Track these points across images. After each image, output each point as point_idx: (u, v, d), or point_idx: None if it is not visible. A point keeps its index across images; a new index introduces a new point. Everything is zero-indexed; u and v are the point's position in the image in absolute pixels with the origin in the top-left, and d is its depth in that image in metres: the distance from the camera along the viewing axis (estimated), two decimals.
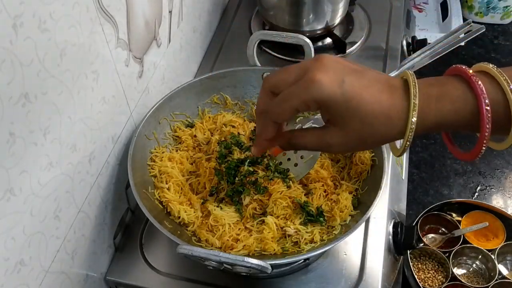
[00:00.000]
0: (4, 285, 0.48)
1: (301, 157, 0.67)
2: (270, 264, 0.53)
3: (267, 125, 0.50)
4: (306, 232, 0.64)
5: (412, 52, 1.05)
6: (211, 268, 0.54)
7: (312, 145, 0.49)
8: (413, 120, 0.42)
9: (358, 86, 0.43)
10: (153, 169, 0.70)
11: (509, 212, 1.04)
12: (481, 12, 1.34)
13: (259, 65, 0.80)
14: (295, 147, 0.52)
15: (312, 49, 0.76)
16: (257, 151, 0.54)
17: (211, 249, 0.62)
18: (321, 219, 0.65)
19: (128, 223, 0.74)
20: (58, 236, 0.56)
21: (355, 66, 0.45)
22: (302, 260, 0.67)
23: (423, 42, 1.02)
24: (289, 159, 0.68)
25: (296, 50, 0.95)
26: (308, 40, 0.75)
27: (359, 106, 0.43)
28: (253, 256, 0.59)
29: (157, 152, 0.72)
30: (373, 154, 0.69)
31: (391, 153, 0.79)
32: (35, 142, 0.49)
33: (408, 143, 0.44)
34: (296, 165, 0.68)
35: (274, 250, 0.63)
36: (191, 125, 0.78)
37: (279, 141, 0.52)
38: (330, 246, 0.59)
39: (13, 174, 0.46)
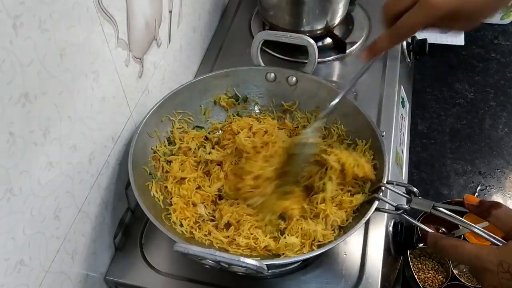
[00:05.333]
0: (4, 285, 0.48)
1: None
2: (266, 264, 0.53)
3: (392, 37, 0.59)
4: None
5: (412, 53, 1.05)
6: (208, 267, 0.54)
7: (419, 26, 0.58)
8: None
9: None
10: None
11: None
12: None
13: (263, 64, 0.80)
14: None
15: (316, 50, 0.76)
16: (367, 56, 0.62)
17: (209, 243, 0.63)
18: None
19: (128, 223, 0.74)
20: (58, 236, 0.56)
21: None
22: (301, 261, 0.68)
23: (423, 42, 1.02)
24: None
25: (297, 50, 0.95)
26: (312, 41, 0.75)
27: (474, 4, 0.54)
28: (249, 256, 0.59)
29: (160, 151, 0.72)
30: (373, 158, 0.70)
31: (391, 156, 0.80)
32: (35, 142, 0.49)
33: None
34: None
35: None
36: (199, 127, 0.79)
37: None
38: (327, 248, 0.58)
39: (13, 174, 0.46)
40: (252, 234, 0.64)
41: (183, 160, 0.73)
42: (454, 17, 0.55)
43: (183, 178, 0.71)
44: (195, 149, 0.75)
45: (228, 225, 0.67)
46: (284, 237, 0.63)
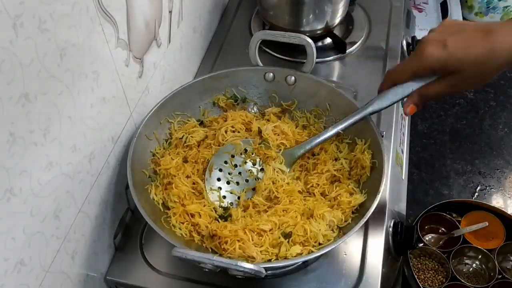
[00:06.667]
0: (4, 285, 0.48)
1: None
2: (264, 267, 0.53)
3: (386, 81, 0.66)
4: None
5: (412, 53, 1.04)
6: (207, 270, 0.54)
7: (440, 92, 0.61)
8: None
9: (460, 43, 0.56)
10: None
11: (509, 212, 1.04)
12: (481, 12, 1.34)
13: (261, 64, 0.80)
14: (427, 99, 0.63)
15: (314, 50, 0.75)
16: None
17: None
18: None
19: (128, 223, 0.74)
20: (58, 236, 0.56)
21: (457, 26, 0.58)
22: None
23: None
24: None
25: (296, 50, 0.95)
26: (310, 41, 0.74)
27: (466, 58, 0.55)
28: (246, 260, 0.59)
29: (158, 152, 0.72)
30: (371, 155, 0.70)
31: (390, 156, 0.80)
32: (35, 142, 0.49)
33: None
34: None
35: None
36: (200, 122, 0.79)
37: (411, 100, 0.63)
38: (327, 250, 0.58)
39: (13, 174, 0.46)
40: (245, 254, 0.61)
41: (173, 153, 0.73)
42: (448, 71, 0.58)
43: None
44: (182, 137, 0.75)
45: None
46: (288, 245, 0.62)
